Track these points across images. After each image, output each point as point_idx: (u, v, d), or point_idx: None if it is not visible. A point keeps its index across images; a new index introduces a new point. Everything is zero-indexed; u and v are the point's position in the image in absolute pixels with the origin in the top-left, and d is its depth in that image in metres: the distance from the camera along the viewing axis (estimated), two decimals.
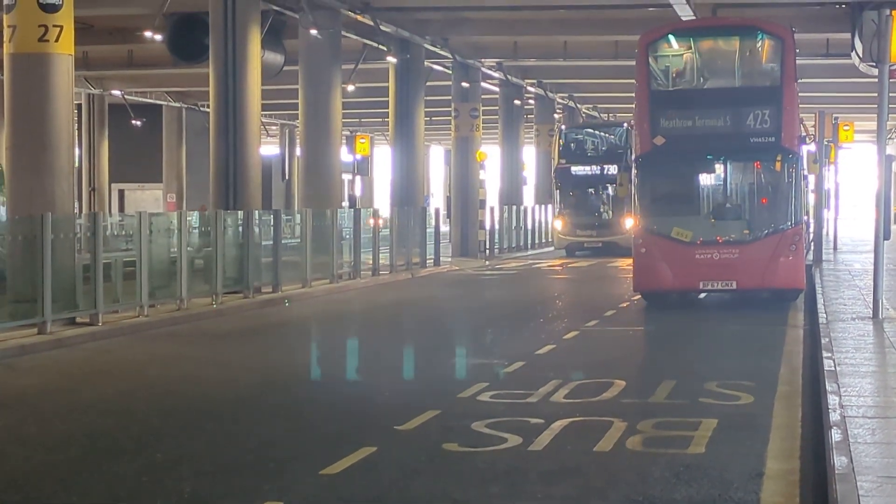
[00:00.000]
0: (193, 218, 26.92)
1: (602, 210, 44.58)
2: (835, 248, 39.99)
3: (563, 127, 47.51)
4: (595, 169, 44.15)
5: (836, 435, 10.00)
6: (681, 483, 9.59)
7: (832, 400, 11.59)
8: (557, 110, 55.50)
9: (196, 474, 10.17)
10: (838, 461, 9.12)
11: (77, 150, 52.44)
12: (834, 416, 10.80)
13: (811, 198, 36.80)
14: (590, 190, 44.88)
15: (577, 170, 44.24)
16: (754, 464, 10.19)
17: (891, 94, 20.00)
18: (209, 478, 10.07)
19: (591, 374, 15.12)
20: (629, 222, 40.99)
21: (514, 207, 49.57)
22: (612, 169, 43.00)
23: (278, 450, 11.00)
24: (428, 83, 41.83)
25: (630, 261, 25.06)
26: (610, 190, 43.86)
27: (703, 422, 11.78)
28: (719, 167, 23.93)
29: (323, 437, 11.58)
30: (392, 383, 14.96)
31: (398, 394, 14.14)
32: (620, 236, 41.89)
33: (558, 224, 44.87)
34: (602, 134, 47.25)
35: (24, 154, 20.64)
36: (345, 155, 37.46)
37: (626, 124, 45.03)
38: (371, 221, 32.18)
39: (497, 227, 46.33)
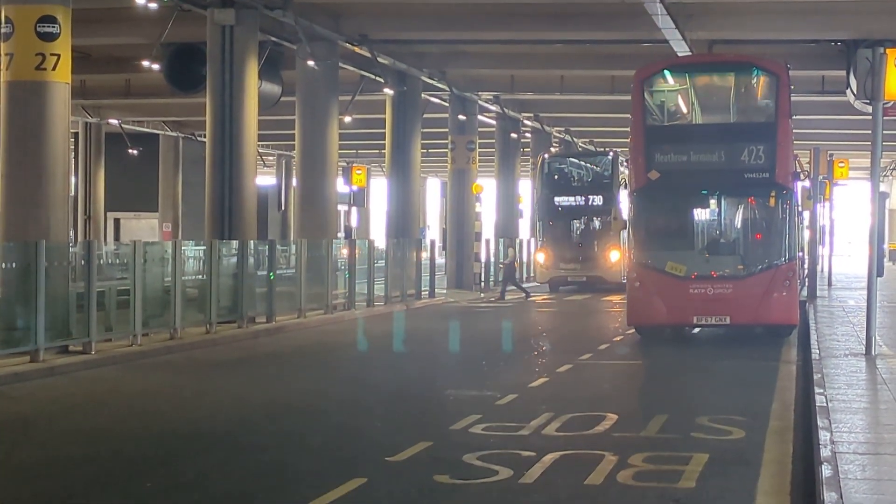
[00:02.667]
0: (188, 247, 26.95)
1: (586, 243, 42.83)
2: (829, 284, 40.02)
3: (545, 156, 45.45)
4: (579, 199, 42.67)
5: (826, 470, 10.00)
6: None
7: (823, 436, 11.58)
8: (554, 143, 55.54)
9: None
10: (828, 497, 9.11)
11: (73, 179, 52.41)
12: (825, 452, 10.79)
13: (806, 234, 36.90)
14: (574, 222, 43.23)
15: (560, 200, 42.74)
16: (744, 499, 10.18)
17: (885, 132, 20.08)
18: None
19: (584, 407, 15.10)
20: (615, 255, 40.71)
21: (510, 240, 49.55)
22: (598, 199, 42.06)
23: (268, 480, 10.98)
24: (425, 115, 41.96)
25: (623, 295, 25.06)
26: (595, 222, 42.60)
27: (694, 456, 11.77)
28: (714, 202, 23.99)
29: (313, 468, 11.56)
30: (384, 414, 14.95)
31: (390, 425, 14.13)
32: (606, 270, 41.24)
33: (541, 257, 43.22)
34: (586, 164, 45.93)
35: (20, 182, 20.68)
36: (341, 186, 37.57)
37: (611, 153, 44.61)
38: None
39: (493, 259, 46.34)
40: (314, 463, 11.82)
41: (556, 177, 43.63)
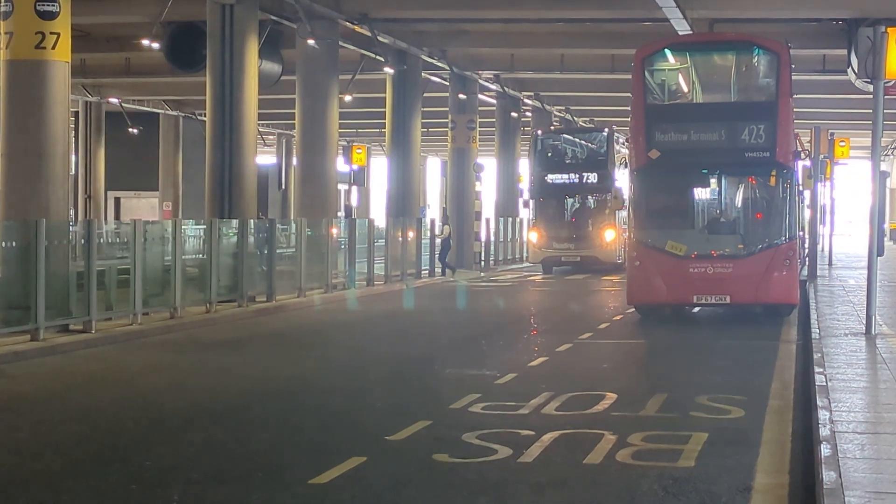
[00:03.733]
0: (189, 226, 26.94)
1: (581, 222, 41.54)
2: (830, 263, 40.01)
3: (538, 132, 43.87)
4: (573, 177, 41.36)
5: (825, 450, 10.01)
6: (669, 496, 9.59)
7: (822, 415, 11.59)
8: (554, 122, 55.41)
9: (185, 483, 10.16)
10: (827, 476, 9.12)
11: (73, 158, 52.39)
12: (824, 431, 10.80)
13: (807, 213, 36.87)
14: (568, 200, 41.98)
15: (553, 178, 41.51)
16: (743, 478, 10.19)
17: (886, 111, 20.03)
18: (198, 486, 10.06)
19: (583, 386, 15.12)
20: (610, 235, 40.07)
21: (510, 219, 49.57)
22: (592, 177, 40.91)
23: (267, 459, 10.99)
24: (425, 94, 41.89)
25: (619, 276, 25.06)
26: (590, 200, 41.60)
27: (693, 435, 11.78)
28: (714, 181, 23.97)
29: (313, 447, 11.57)
30: (384, 393, 14.96)
31: (389, 404, 14.14)
32: (600, 250, 40.35)
33: (533, 237, 41.91)
34: (581, 140, 44.57)
35: (20, 161, 20.64)
36: (341, 165, 37.57)
37: (606, 129, 43.35)
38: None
39: (492, 238, 46.32)
40: (314, 441, 11.83)
41: (549, 154, 42.50)
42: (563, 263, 41.12)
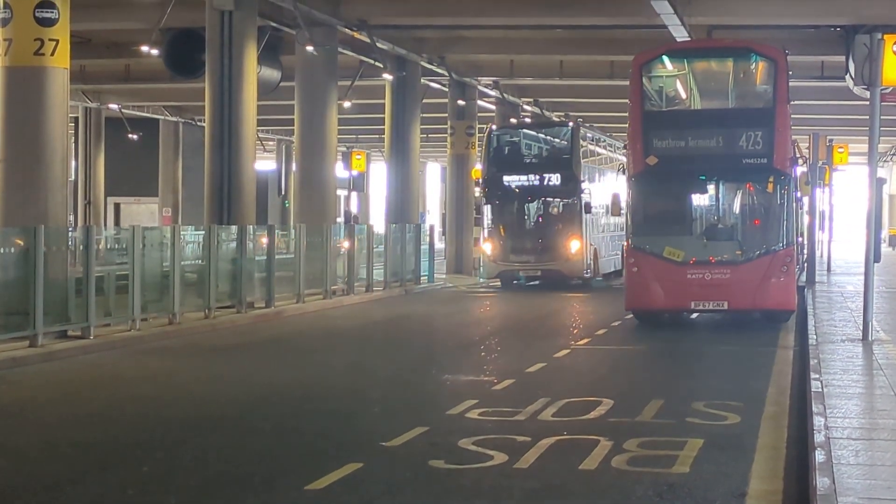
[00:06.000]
0: (188, 232, 26.97)
1: (542, 230, 36.59)
2: (828, 269, 40.03)
3: (493, 127, 38.63)
4: (533, 178, 36.21)
5: (819, 456, 10.04)
6: (664, 502, 9.63)
7: (818, 421, 11.63)
8: (524, 114, 53.59)
9: (182, 488, 10.20)
10: (820, 482, 9.16)
11: (73, 164, 52.47)
12: (819, 438, 10.84)
13: (805, 219, 36.89)
14: (527, 205, 36.97)
15: (510, 180, 36.18)
16: (738, 484, 10.23)
17: (884, 117, 20.10)
18: (195, 491, 10.10)
19: (580, 392, 15.15)
20: (575, 245, 35.41)
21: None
22: (555, 178, 35.96)
23: (264, 464, 11.03)
24: (424, 100, 41.93)
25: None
26: (553, 205, 36.77)
27: (688, 441, 11.82)
28: (712, 188, 24.03)
29: (309, 453, 11.61)
30: (381, 399, 14.99)
31: (386, 410, 14.17)
32: (564, 263, 35.64)
33: (487, 248, 36.42)
34: (543, 136, 39.34)
35: (19, 167, 20.68)
36: (341, 171, 37.57)
37: (571, 123, 39.39)
38: (345, 244, 30.17)
39: None
40: (311, 447, 11.87)
41: (505, 151, 37.36)
42: (522, 278, 36.72)
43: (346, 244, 30.47)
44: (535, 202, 36.93)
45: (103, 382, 16.92)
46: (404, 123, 39.73)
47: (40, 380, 16.91)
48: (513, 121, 45.16)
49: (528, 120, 46.74)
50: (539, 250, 36.07)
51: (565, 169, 36.09)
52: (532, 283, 36.66)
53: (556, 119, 49.11)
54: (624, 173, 25.05)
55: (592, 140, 38.65)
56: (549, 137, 39.02)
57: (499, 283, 37.20)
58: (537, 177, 36.22)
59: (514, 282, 36.45)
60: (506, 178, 36.17)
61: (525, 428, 12.62)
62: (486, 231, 36.51)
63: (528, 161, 37.60)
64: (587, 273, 36.21)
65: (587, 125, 42.25)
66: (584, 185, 35.98)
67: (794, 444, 11.83)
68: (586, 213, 35.88)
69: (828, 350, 17.45)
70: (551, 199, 36.63)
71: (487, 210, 36.51)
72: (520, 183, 36.22)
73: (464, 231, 43.75)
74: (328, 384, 16.59)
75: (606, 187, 38.96)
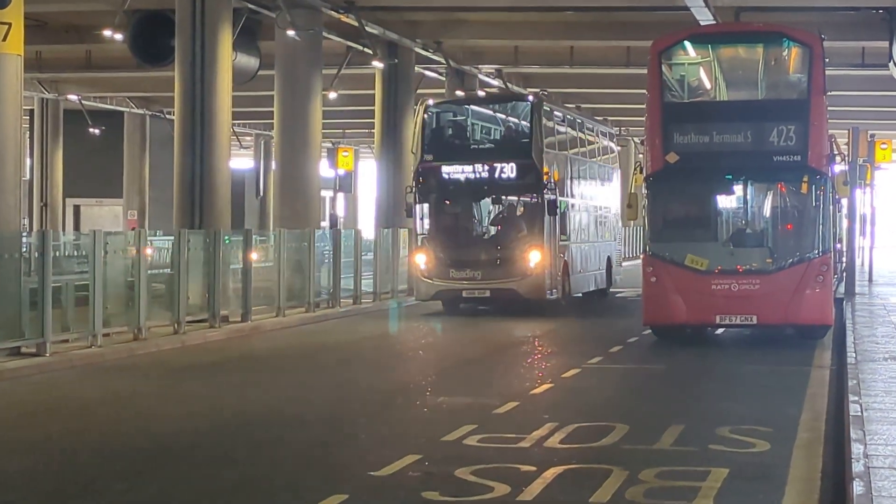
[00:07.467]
0: (156, 238, 26.98)
1: (492, 238, 31.63)
2: (870, 279, 40.04)
3: (429, 103, 32.02)
4: (482, 170, 30.68)
5: (857, 487, 10.03)
6: None
7: (856, 449, 11.62)
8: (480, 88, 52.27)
9: None
10: None
11: (27, 161, 52.53)
12: (857, 467, 10.82)
13: (843, 223, 36.90)
14: (473, 205, 31.87)
15: (451, 171, 30.97)
16: None
17: None
18: None
19: (591, 416, 15.16)
20: (535, 257, 30.28)
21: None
22: (509, 169, 30.45)
23: (237, 498, 11.02)
24: (418, 91, 41.95)
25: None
26: (506, 204, 31.60)
27: (712, 471, 11.81)
28: (739, 188, 23.99)
29: (289, 484, 11.59)
30: (369, 424, 15.00)
31: (375, 436, 14.17)
32: (521, 281, 30.25)
33: (420, 260, 31.13)
34: (493, 113, 34.18)
35: None
36: (326, 169, 37.60)
37: (531, 97, 33.27)
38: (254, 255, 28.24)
39: None
40: (290, 478, 11.85)
41: (446, 134, 32.23)
42: (465, 300, 31.39)
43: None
44: (485, 201, 31.85)
45: (60, 405, 16.89)
46: (396, 116, 39.78)
47: None
48: (459, 93, 40.50)
49: (481, 94, 42.29)
50: (488, 264, 30.57)
51: (522, 156, 30.59)
52: (482, 307, 32.07)
53: (516, 91, 45.15)
54: (640, 169, 24.94)
55: (563, 120, 33.51)
56: (503, 116, 33.94)
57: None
58: (487, 167, 30.70)
59: (462, 305, 31.66)
60: (446, 170, 30.98)
61: (530, 456, 12.61)
62: (418, 239, 31.32)
63: (475, 147, 32.61)
64: (552, 294, 31.01)
65: (559, 102, 39.01)
66: (547, 177, 30.46)
67: (830, 476, 11.83)
68: (551, 214, 30.43)
69: (868, 370, 17.44)
70: (506, 197, 31.52)
71: (420, 211, 31.19)
72: (464, 175, 30.93)
73: None
74: (310, 407, 16.58)
75: (586, 183, 35.49)
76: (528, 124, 31.36)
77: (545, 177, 30.25)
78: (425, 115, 31.46)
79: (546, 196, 30.19)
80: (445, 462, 12.28)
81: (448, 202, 31.41)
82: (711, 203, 24.20)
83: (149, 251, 27.15)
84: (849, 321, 25.08)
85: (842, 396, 15.81)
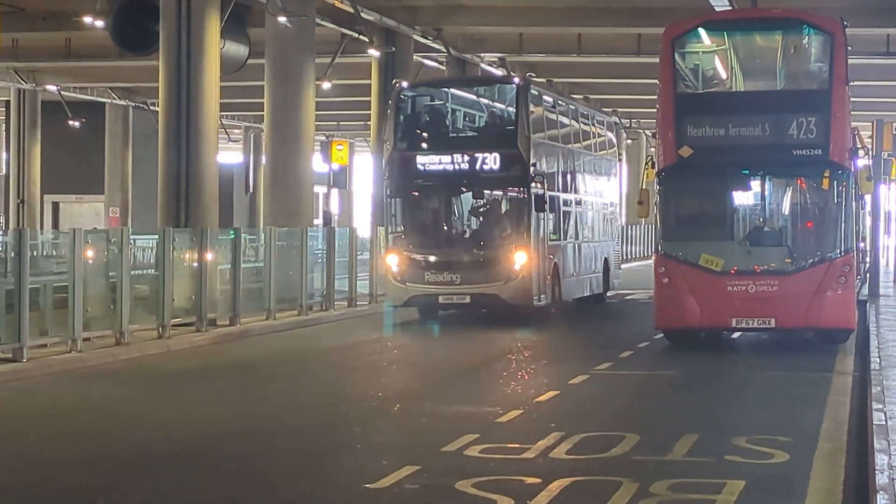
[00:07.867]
0: (139, 236, 26.98)
1: (473, 238, 30.10)
2: (895, 280, 40.07)
3: (402, 85, 30.98)
4: (461, 161, 29.23)
5: (882, 500, 10.04)
6: None
7: (880, 459, 11.62)
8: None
9: None
10: None
11: (3, 156, 52.57)
12: (881, 479, 10.82)
13: (867, 221, 36.94)
14: (452, 200, 30.42)
15: (427, 161, 29.58)
16: None
17: None
18: None
19: (600, 425, 15.17)
20: (521, 259, 28.92)
21: None
22: (492, 160, 29.02)
23: None
24: (417, 80, 41.95)
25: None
26: (488, 199, 30.22)
27: (728, 483, 11.81)
28: (756, 184, 23.99)
29: (279, 497, 11.60)
30: (364, 434, 15.00)
31: (371, 447, 14.17)
32: (505, 285, 28.80)
33: (392, 262, 29.55)
34: (475, 97, 32.78)
35: None
36: (319, 164, 37.63)
37: (516, 79, 31.66)
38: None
39: None
40: (280, 491, 11.86)
41: (422, 121, 30.77)
42: (442, 306, 29.80)
43: (208, 256, 26.42)
44: (465, 195, 30.19)
45: (37, 414, 16.90)
46: None
47: None
48: (433, 69, 38.69)
49: (461, 77, 41.66)
50: (468, 266, 29.05)
51: (506, 146, 29.14)
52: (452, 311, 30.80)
53: (501, 75, 44.16)
54: (652, 164, 24.90)
55: (553, 107, 32.12)
56: (486, 101, 32.64)
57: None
58: (467, 157, 29.21)
59: (440, 312, 30.41)
60: (421, 160, 29.58)
61: (535, 467, 12.62)
62: (391, 238, 29.85)
63: (454, 135, 31.19)
64: (540, 299, 29.64)
65: (565, 92, 38.51)
66: (536, 171, 29.15)
67: (853, 488, 11.84)
68: (538, 211, 29.15)
69: (893, 376, 17.45)
70: (488, 192, 30.06)
71: (393, 206, 29.85)
72: (442, 167, 29.47)
73: None
74: (302, 416, 16.58)
75: (581, 177, 34.25)
76: (514, 110, 29.76)
77: (532, 169, 29.00)
78: (399, 100, 30.11)
79: (533, 190, 28.88)
80: (445, 474, 12.28)
81: (423, 197, 30.09)
82: (727, 200, 24.18)
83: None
84: (872, 324, 25.09)
85: (865, 404, 15.82)
